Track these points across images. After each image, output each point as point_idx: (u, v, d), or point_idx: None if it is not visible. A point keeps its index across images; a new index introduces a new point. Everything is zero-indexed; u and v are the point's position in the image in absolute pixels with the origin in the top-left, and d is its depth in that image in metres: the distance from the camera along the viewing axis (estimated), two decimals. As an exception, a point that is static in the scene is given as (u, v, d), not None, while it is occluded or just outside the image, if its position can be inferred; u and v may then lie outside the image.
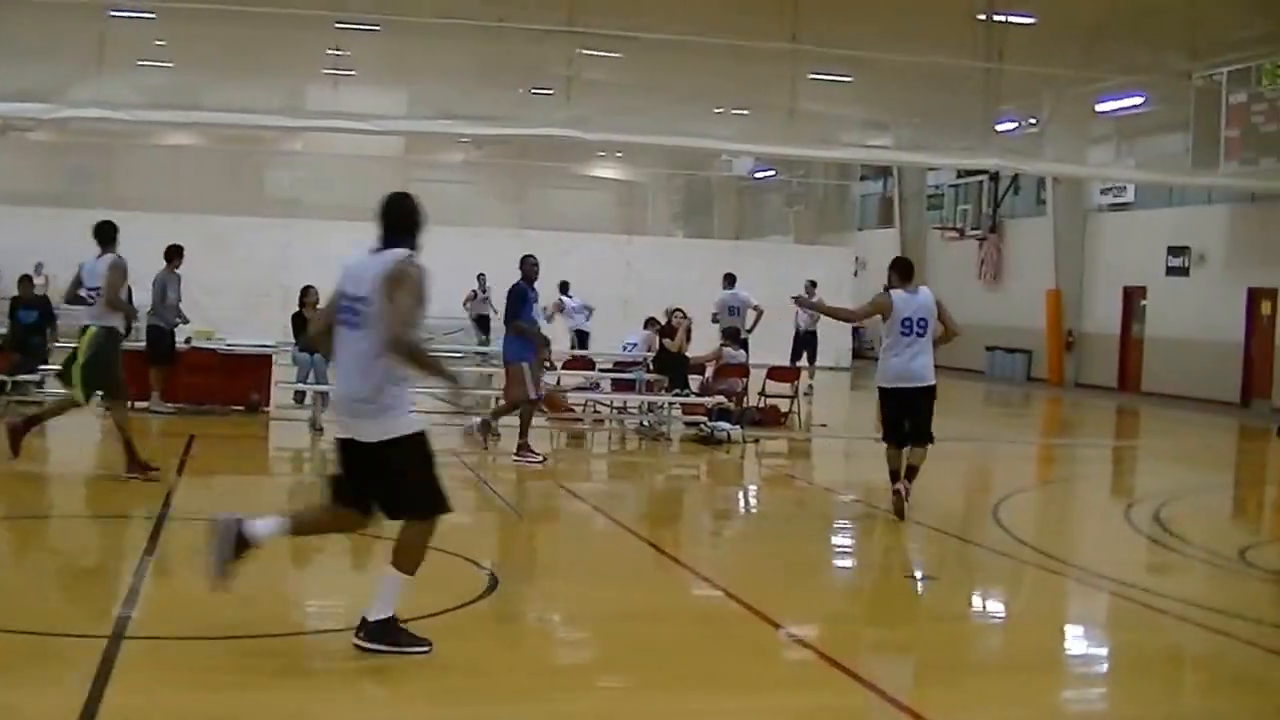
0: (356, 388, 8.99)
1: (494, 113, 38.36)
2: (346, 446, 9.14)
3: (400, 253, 9.01)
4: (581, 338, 34.43)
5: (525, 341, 19.80)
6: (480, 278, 37.64)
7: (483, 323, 37.99)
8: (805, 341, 34.13)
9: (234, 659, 8.89)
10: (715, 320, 28.68)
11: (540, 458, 19.63)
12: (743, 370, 25.54)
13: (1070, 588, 13.15)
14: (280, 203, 53.13)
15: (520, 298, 19.78)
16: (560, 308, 33.95)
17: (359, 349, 8.98)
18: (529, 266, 20.09)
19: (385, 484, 9.02)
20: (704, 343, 26.41)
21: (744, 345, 27.05)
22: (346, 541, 12.01)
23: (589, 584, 12.02)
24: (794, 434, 25.59)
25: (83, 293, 15.97)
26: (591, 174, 67.25)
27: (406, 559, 8.99)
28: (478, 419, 20.57)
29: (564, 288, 34.99)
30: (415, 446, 9.02)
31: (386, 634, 8.98)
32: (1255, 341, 37.33)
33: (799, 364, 31.51)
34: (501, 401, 20.98)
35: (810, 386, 31.76)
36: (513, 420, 20.08)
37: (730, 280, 30.23)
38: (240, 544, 9.03)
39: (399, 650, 8.94)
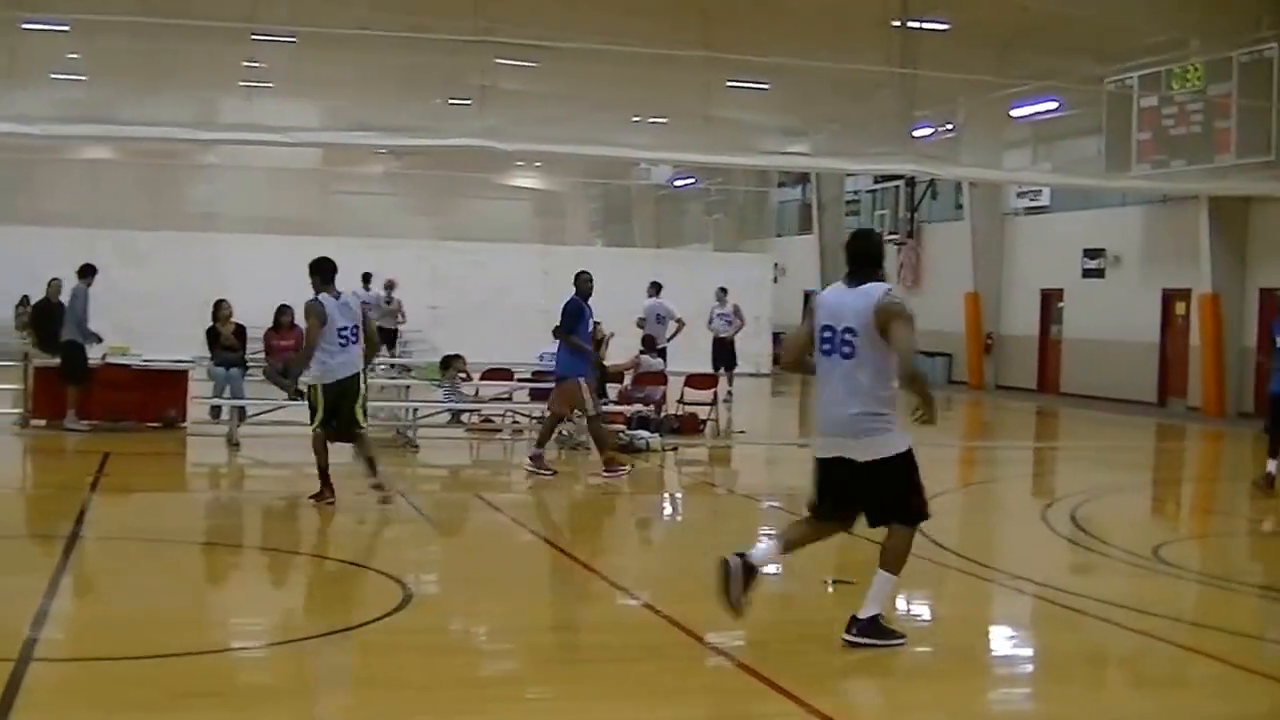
0: (853, 412, 9.86)
1: (410, 124, 38.27)
2: (833, 465, 10.07)
3: (883, 287, 10.04)
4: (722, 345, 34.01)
5: (580, 357, 19.81)
6: (389, 285, 35.52)
7: (388, 336, 34.23)
8: (724, 349, 34.00)
9: (144, 680, 8.79)
10: (641, 325, 28.72)
11: (553, 472, 19.71)
12: (661, 378, 25.54)
13: (989, 590, 13.22)
14: (199, 216, 52.81)
15: (576, 313, 19.82)
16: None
17: (853, 377, 9.86)
18: (584, 283, 20.17)
19: (879, 497, 10.01)
20: (624, 351, 26.39)
21: (662, 354, 27.07)
22: (263, 559, 11.96)
23: (508, 596, 11.96)
24: (713, 441, 25.61)
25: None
26: (510, 184, 67.09)
27: (896, 561, 10.08)
28: (530, 459, 20.19)
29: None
30: (907, 461, 9.99)
31: (875, 631, 9.96)
32: (1170, 342, 37.66)
33: (719, 371, 31.45)
34: (547, 413, 20.84)
35: (730, 394, 31.75)
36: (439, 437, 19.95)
37: (656, 289, 30.24)
38: (748, 574, 9.98)
39: (884, 644, 9.96)
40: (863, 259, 10.30)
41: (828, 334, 10.02)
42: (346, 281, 16.44)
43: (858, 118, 40.09)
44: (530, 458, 19.77)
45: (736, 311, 33.49)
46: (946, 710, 9.06)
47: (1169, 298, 37.75)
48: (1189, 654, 10.41)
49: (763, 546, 10.23)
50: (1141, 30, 34.55)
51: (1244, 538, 17.94)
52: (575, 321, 19.72)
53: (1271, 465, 19.59)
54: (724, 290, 34.21)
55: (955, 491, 20.35)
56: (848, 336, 9.86)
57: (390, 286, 35.24)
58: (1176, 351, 37.40)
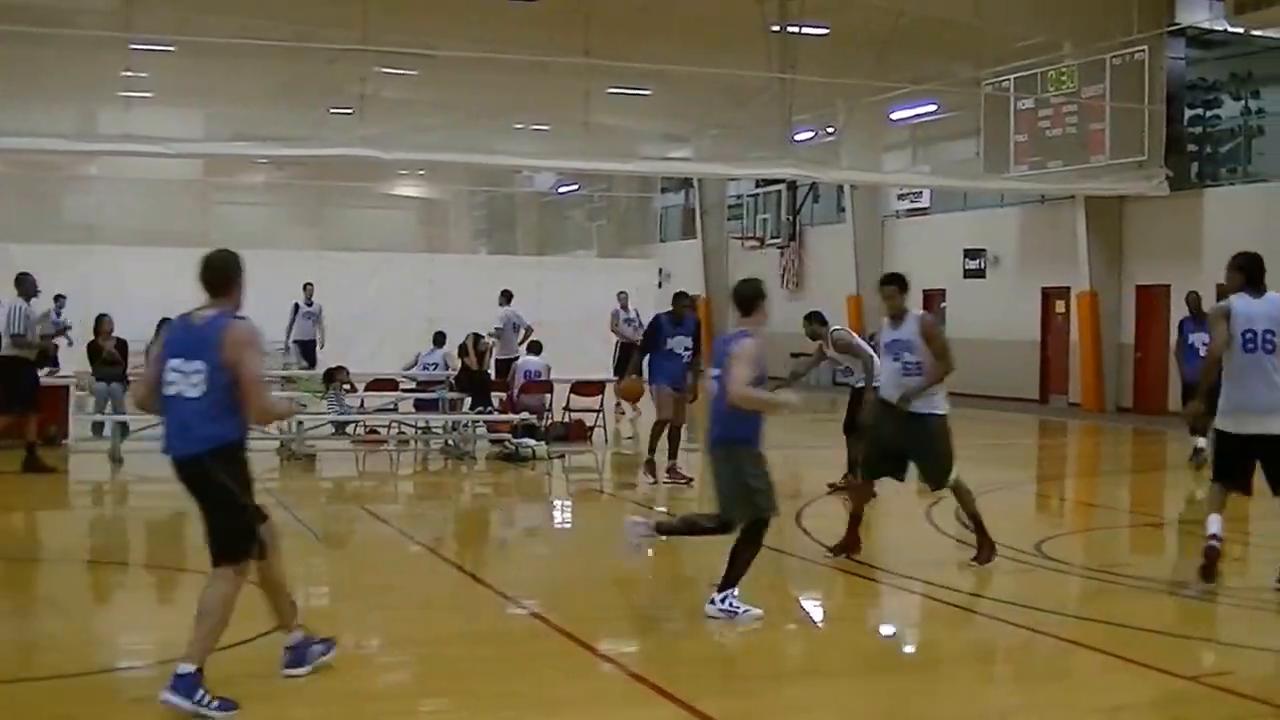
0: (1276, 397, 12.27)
1: (291, 133, 38.03)
2: (1250, 440, 12.35)
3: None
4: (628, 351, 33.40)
5: (670, 367, 20.15)
6: (307, 287, 33.91)
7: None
8: (628, 355, 33.50)
9: (23, 705, 8.77)
10: (497, 335, 28.69)
11: (654, 479, 19.92)
12: (546, 386, 25.54)
13: (876, 589, 13.32)
14: (77, 229, 52.18)
15: (655, 329, 20.49)
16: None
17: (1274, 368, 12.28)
18: (681, 307, 20.61)
19: None
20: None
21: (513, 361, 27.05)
22: (148, 577, 11.88)
23: (395, 608, 11.93)
24: (601, 449, 25.60)
25: None
26: (393, 193, 66.81)
27: None
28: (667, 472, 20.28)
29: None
30: None
31: None
32: (1050, 339, 38.12)
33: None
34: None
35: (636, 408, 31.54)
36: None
37: (507, 297, 30.18)
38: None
39: None
40: (1258, 274, 12.50)
41: (1249, 335, 12.30)
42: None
43: (739, 123, 40.25)
44: (666, 471, 20.08)
45: (639, 316, 33.42)
46: (837, 709, 9.15)
47: (1048, 296, 38.23)
48: (1073, 647, 10.54)
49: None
50: (1016, 34, 34.95)
51: (1125, 531, 18.17)
52: (655, 336, 20.39)
53: (1201, 441, 20.35)
54: (625, 294, 34.16)
55: (839, 493, 20.48)
56: (1269, 337, 12.26)
57: (309, 287, 34.08)
58: (1057, 349, 37.89)
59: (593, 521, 18.69)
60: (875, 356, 18.25)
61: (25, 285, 20.80)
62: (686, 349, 20.37)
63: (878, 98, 38.02)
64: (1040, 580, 13.55)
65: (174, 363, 8.92)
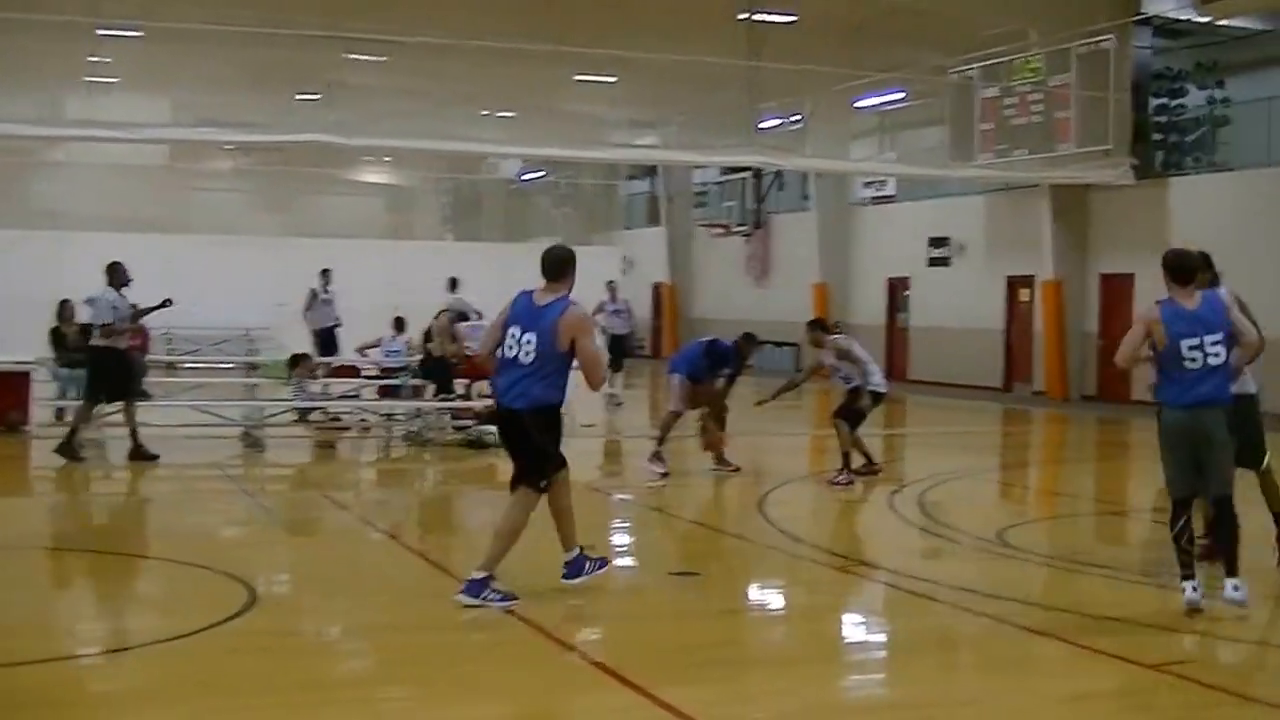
0: None
1: (258, 120, 38.00)
2: None
3: None
4: (617, 342, 33.51)
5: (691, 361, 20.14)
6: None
7: (326, 337, 32.00)
8: (617, 345, 33.34)
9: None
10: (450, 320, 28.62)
11: (664, 472, 19.70)
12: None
13: (839, 577, 13.29)
14: (43, 214, 51.89)
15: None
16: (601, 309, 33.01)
17: None
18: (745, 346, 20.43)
19: None
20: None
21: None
22: (107, 563, 11.83)
23: (356, 596, 11.87)
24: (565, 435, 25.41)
25: None
26: (360, 179, 66.64)
27: None
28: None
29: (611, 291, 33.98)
30: None
31: None
32: (1014, 328, 38.21)
33: (611, 370, 31.07)
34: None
35: (613, 394, 31.39)
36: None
37: (453, 284, 30.07)
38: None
39: None
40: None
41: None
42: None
43: (705, 110, 40.28)
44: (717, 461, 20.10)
45: (629, 306, 33.27)
46: (797, 698, 9.09)
47: (1013, 284, 38.32)
48: (1036, 635, 10.54)
49: None
50: (983, 22, 34.97)
51: (1088, 519, 18.19)
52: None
53: None
54: (615, 284, 34.07)
55: (805, 479, 20.50)
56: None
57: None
58: (1021, 337, 37.97)
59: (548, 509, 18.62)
60: (871, 361, 18.57)
61: (116, 274, 20.29)
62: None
63: (844, 86, 38.02)
64: (1003, 568, 13.54)
65: (513, 330, 11.29)
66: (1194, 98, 34.90)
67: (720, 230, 50.49)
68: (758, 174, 46.64)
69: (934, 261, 40.88)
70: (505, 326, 11.40)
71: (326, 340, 31.60)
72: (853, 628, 11.67)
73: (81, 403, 20.53)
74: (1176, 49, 35.55)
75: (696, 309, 53.49)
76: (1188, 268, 11.67)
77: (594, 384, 11.70)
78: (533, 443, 11.36)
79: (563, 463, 11.69)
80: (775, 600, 12.77)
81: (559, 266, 11.57)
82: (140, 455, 19.90)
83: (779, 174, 45.99)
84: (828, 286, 43.85)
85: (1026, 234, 36.71)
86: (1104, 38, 32.79)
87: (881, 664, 10.39)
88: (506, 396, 11.33)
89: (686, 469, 20.15)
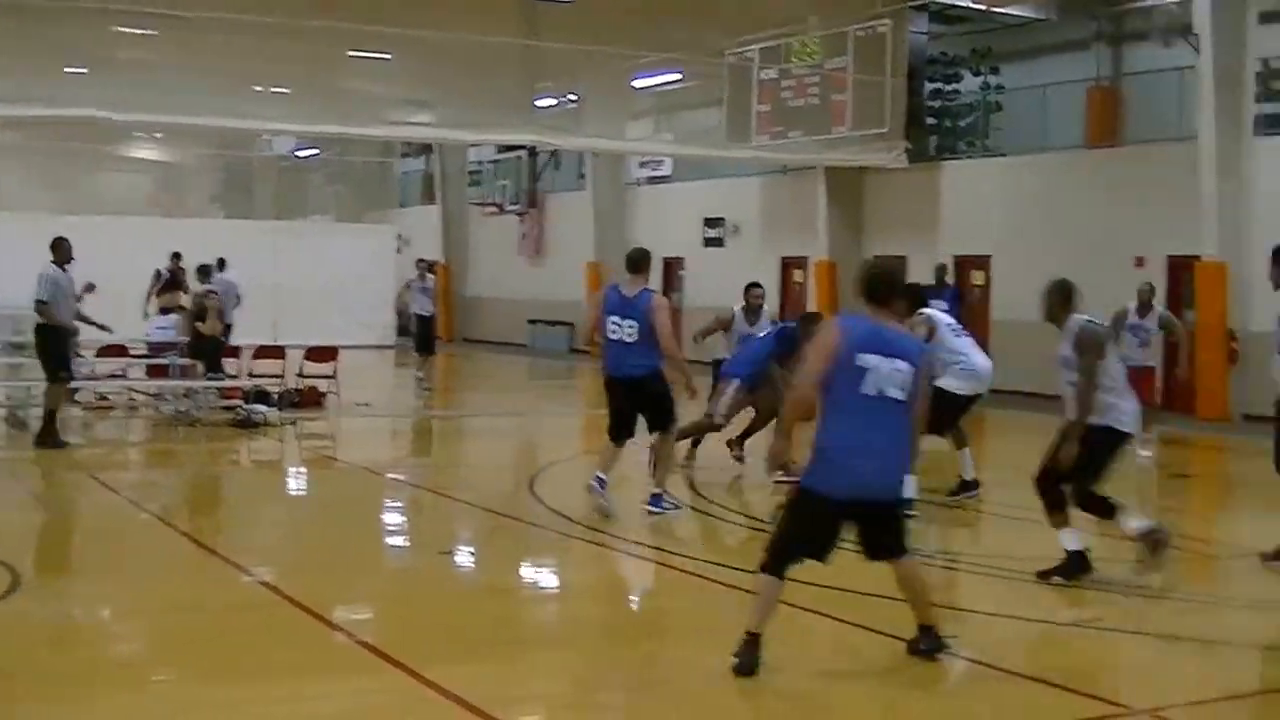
0: None
1: (24, 94, 37.03)
2: None
3: None
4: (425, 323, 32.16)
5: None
6: (420, 263, 32.84)
7: (425, 325, 31.70)
8: (425, 328, 32.47)
9: None
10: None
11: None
12: (279, 352, 25.15)
13: (605, 556, 13.28)
14: None
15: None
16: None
17: None
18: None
19: None
20: (248, 327, 25.86)
21: (228, 330, 26.41)
22: None
23: (124, 578, 11.69)
24: (335, 415, 25.15)
25: None
26: (131, 155, 65.47)
27: None
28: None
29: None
30: None
31: None
32: (788, 309, 38.40)
33: (421, 354, 30.60)
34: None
35: (420, 377, 30.90)
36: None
37: (220, 264, 29.54)
38: None
39: None
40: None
41: None
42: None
43: (482, 89, 39.99)
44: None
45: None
46: (567, 677, 9.16)
47: (787, 265, 38.59)
48: (800, 611, 10.50)
49: None
50: (762, 4, 35.09)
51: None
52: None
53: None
54: (425, 263, 33.58)
55: (573, 459, 20.36)
56: None
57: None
58: (794, 318, 38.17)
59: (325, 489, 18.45)
60: None
61: (60, 251, 19.77)
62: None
63: (622, 65, 38.01)
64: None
65: (613, 318, 14.38)
66: (968, 84, 35.35)
67: (494, 209, 50.37)
68: (532, 153, 46.58)
69: (709, 242, 41.04)
70: (605, 316, 14.48)
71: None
72: (619, 606, 11.68)
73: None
74: (952, 35, 36.00)
75: (470, 288, 53.26)
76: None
77: (666, 352, 14.48)
78: (658, 395, 14.61)
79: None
80: (544, 579, 12.79)
81: (640, 262, 14.72)
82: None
83: (554, 153, 45.99)
84: (601, 266, 43.80)
85: (801, 215, 37.00)
86: (881, 22, 33.07)
87: (651, 642, 10.40)
88: (624, 368, 14.47)
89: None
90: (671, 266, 42.47)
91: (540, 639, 10.37)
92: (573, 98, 41.83)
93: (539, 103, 37.94)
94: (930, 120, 35.32)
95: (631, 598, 11.99)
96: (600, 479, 14.52)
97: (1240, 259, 26.79)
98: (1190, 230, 27.54)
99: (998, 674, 9.39)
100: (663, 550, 13.06)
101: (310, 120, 38.23)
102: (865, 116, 33.27)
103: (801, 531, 9.16)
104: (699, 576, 11.91)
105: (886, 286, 9.41)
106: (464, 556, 13.33)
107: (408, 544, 14.19)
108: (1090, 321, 11.77)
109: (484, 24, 33.44)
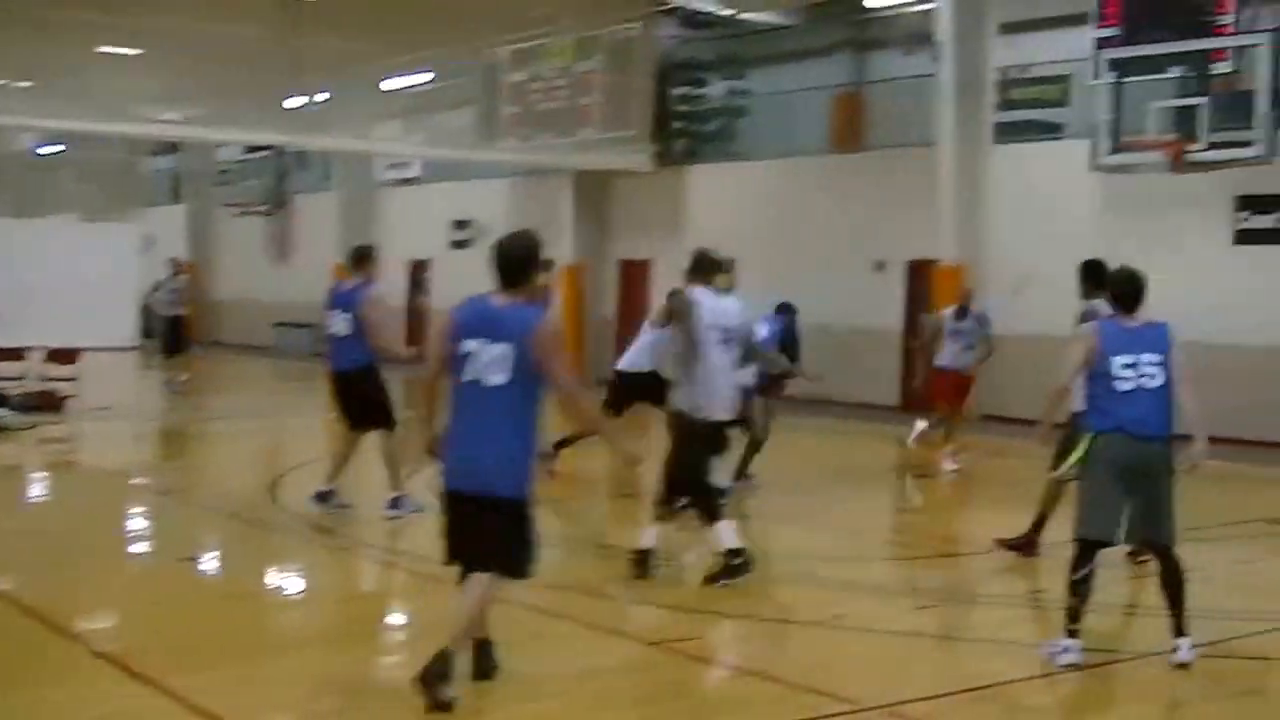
0: None
1: None
2: None
3: None
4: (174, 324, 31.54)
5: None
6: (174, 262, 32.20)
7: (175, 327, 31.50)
8: (174, 328, 31.87)
9: None
10: None
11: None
12: (18, 354, 24.67)
13: (346, 561, 13.26)
14: None
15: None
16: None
17: None
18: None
19: None
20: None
21: None
22: None
23: None
24: (76, 418, 24.62)
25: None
26: None
27: None
28: None
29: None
30: None
31: None
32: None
33: (171, 355, 30.02)
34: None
35: (172, 380, 30.33)
36: None
37: None
38: None
39: None
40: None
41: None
42: None
43: (231, 87, 39.54)
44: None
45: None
46: (306, 681, 9.09)
47: (534, 268, 38.66)
48: (544, 615, 10.59)
49: None
50: (512, 6, 35.11)
51: (599, 501, 18.41)
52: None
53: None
54: (176, 263, 32.96)
55: (316, 463, 20.19)
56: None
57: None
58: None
59: (65, 494, 18.10)
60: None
61: None
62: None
63: (373, 65, 37.86)
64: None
65: (330, 312, 14.54)
66: (715, 88, 35.70)
67: (241, 209, 49.88)
68: (281, 152, 46.22)
69: (456, 244, 40.96)
70: (325, 310, 14.78)
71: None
72: (362, 610, 11.62)
73: None
74: (700, 40, 36.33)
75: (217, 289, 52.64)
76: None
77: (382, 347, 14.67)
78: (368, 392, 14.58)
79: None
80: (285, 584, 12.72)
81: (361, 258, 14.98)
82: None
83: (303, 153, 45.66)
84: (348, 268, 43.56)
85: (549, 218, 37.04)
86: (630, 26, 33.32)
87: (390, 645, 10.49)
88: (337, 363, 14.65)
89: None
90: (419, 268, 42.36)
91: (281, 645, 10.31)
92: (322, 97, 41.55)
93: (288, 102, 37.59)
94: (678, 124, 35.64)
95: (371, 601, 11.95)
96: (323, 492, 14.74)
97: (978, 262, 27.41)
98: (930, 234, 28.12)
99: (735, 673, 9.64)
100: (397, 552, 13.04)
101: (56, 115, 37.49)
102: (613, 120, 33.53)
103: (446, 531, 8.65)
104: (435, 579, 11.89)
105: (518, 264, 8.89)
106: (206, 563, 13.21)
107: (149, 550, 14.01)
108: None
109: (235, 21, 33.08)
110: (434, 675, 8.12)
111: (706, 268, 12.22)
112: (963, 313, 20.49)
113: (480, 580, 8.42)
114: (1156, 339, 9.77)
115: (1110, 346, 9.72)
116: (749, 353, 12.44)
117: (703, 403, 11.76)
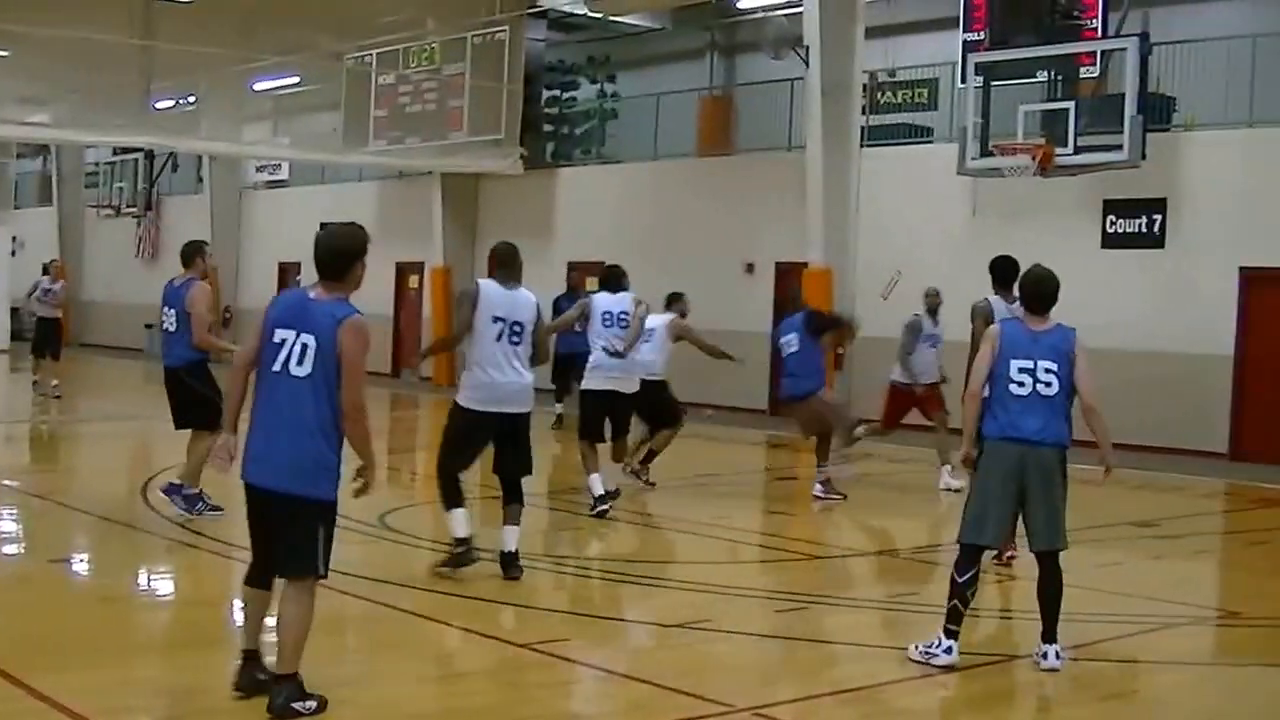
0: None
1: None
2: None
3: None
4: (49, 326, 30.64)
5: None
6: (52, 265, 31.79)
7: (51, 329, 30.48)
8: (50, 330, 31.32)
9: None
10: None
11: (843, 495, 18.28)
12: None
13: (220, 563, 13.21)
14: None
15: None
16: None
17: None
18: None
19: None
20: None
21: None
22: None
23: None
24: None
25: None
26: None
27: None
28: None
29: None
30: None
31: None
32: (404, 314, 38.71)
33: (44, 357, 29.63)
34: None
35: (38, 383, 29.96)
36: None
37: None
38: None
39: None
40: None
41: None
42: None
43: (98, 89, 39.28)
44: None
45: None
46: (179, 682, 9.16)
47: (403, 271, 38.75)
48: (414, 617, 10.73)
49: None
50: (380, 9, 35.13)
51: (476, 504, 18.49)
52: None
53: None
54: (51, 264, 32.60)
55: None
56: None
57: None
58: (409, 323, 38.48)
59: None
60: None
61: None
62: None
63: (240, 68, 37.72)
64: (384, 552, 13.78)
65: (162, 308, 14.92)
66: (585, 91, 35.90)
67: (110, 211, 49.52)
68: (150, 155, 45.95)
69: (321, 246, 40.95)
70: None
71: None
72: (235, 612, 11.64)
73: None
74: (570, 43, 36.53)
75: (87, 291, 52.18)
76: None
77: (199, 342, 15.00)
78: (187, 389, 14.95)
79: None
80: (157, 586, 12.75)
81: (189, 256, 15.71)
82: None
83: (172, 155, 45.44)
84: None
85: (418, 221, 37.15)
86: (499, 28, 33.41)
87: (268, 648, 10.41)
88: (165, 357, 15.07)
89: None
90: (288, 271, 42.26)
91: (151, 646, 10.34)
92: (190, 100, 41.36)
93: (157, 104, 37.45)
94: (547, 127, 35.87)
95: (238, 604, 12.01)
96: (175, 485, 14.75)
97: (844, 265, 27.70)
98: (798, 237, 28.34)
99: (605, 675, 9.72)
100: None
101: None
102: (482, 123, 33.63)
103: (250, 529, 8.52)
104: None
105: (336, 257, 8.74)
106: (76, 564, 13.22)
107: (18, 551, 13.97)
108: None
109: (101, 22, 32.92)
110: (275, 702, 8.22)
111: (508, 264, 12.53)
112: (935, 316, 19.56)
113: (291, 595, 8.34)
114: (1056, 346, 9.75)
115: (1008, 350, 9.74)
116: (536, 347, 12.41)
117: (470, 393, 12.10)
